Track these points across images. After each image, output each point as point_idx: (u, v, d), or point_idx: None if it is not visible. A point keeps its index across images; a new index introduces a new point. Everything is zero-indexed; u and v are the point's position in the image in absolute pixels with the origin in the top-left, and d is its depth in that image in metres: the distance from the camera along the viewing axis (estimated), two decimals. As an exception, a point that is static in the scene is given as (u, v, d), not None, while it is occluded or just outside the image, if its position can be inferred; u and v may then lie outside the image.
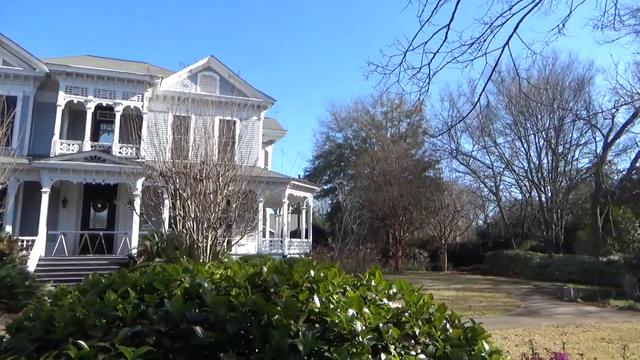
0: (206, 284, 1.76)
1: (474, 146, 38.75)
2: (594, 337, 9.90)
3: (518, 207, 40.76)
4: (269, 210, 33.74)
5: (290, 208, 32.24)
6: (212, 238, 14.31)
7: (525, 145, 34.76)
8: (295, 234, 31.89)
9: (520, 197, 39.41)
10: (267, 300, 1.65)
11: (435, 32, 5.15)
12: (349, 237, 25.87)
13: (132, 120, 17.20)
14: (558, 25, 5.19)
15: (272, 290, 1.76)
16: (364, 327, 1.52)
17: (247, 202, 15.76)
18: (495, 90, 35.68)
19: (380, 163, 34.22)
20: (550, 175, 33.88)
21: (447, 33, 5.17)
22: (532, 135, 34.14)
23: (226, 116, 18.65)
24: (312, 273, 1.81)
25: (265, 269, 1.84)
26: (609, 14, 5.49)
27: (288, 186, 23.84)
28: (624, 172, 33.52)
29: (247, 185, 16.91)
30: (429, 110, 41.07)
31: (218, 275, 1.94)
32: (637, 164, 32.86)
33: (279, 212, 28.16)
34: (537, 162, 34.21)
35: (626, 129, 31.01)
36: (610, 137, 31.30)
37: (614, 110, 31.76)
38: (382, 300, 1.81)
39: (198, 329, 1.52)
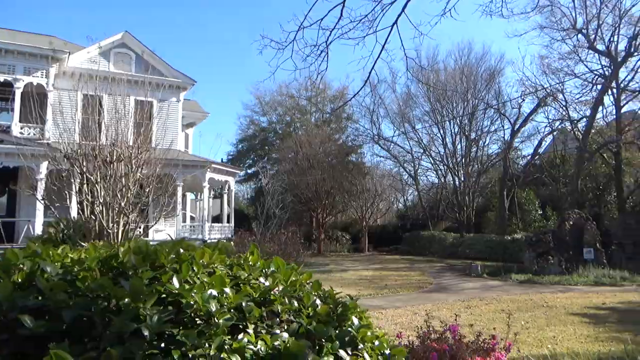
0: (49, 269, 1.58)
1: (394, 132, 39.98)
2: (495, 308, 10.62)
3: (435, 190, 42.79)
4: (190, 195, 32.78)
5: (212, 192, 31.54)
6: (123, 224, 13.62)
7: (441, 131, 36.38)
8: (218, 219, 31.28)
9: (436, 181, 41.32)
10: (115, 283, 1.51)
11: (331, 9, 5.12)
12: (271, 221, 25.79)
13: (35, 98, 15.80)
14: (445, 8, 5.34)
15: (130, 273, 1.62)
16: (220, 307, 1.43)
17: (163, 185, 15.15)
18: (415, 79, 37.02)
19: (304, 147, 34.30)
20: (463, 160, 35.79)
21: (342, 10, 5.16)
22: (448, 122, 35.79)
23: (142, 96, 17.68)
24: (178, 253, 1.69)
25: (122, 250, 1.69)
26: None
27: (209, 170, 23.21)
28: (528, 158, 36.23)
29: (164, 168, 16.23)
30: (352, 95, 41.81)
31: (69, 260, 1.76)
32: (540, 151, 35.64)
33: (200, 197, 27.45)
34: (452, 147, 35.97)
35: (531, 118, 33.32)
36: (517, 125, 33.56)
37: (520, 100, 34.12)
38: (257, 279, 1.73)
39: (26, 317, 1.35)
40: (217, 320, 1.38)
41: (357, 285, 15.05)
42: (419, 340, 3.70)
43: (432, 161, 38.28)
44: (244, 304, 1.50)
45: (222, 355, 1.30)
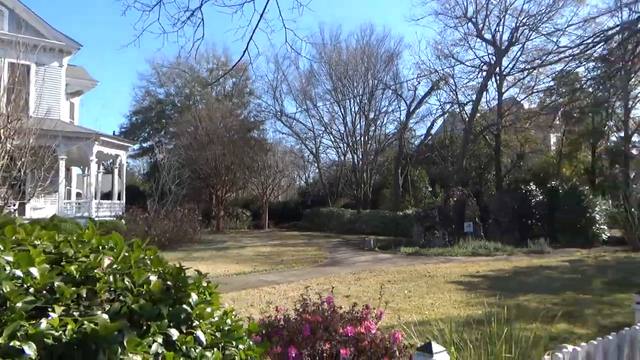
0: None
1: (297, 109, 40.09)
2: (382, 280, 11.15)
3: (335, 168, 43.83)
4: (77, 170, 30.26)
5: (103, 167, 29.40)
6: (-10, 200, 12.19)
7: (342, 110, 37.15)
8: (109, 195, 29.30)
9: (337, 158, 42.28)
10: None
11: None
12: (167, 197, 24.70)
13: None
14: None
15: None
16: (17, 289, 1.22)
17: (38, 158, 13.72)
18: (318, 57, 37.31)
19: (204, 122, 33.09)
20: (362, 138, 36.96)
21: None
22: (349, 101, 36.60)
23: (15, 58, 15.79)
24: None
25: None
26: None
27: (96, 142, 21.49)
28: (422, 138, 38.42)
29: (40, 139, 14.70)
30: (254, 71, 41.05)
31: None
32: (432, 132, 37.91)
33: (87, 172, 25.42)
34: (352, 126, 36.94)
35: (425, 100, 35.20)
36: (412, 107, 35.27)
37: (415, 83, 35.84)
38: (88, 257, 1.53)
39: None
40: (13, 304, 1.18)
41: (253, 261, 14.99)
42: (295, 313, 3.69)
43: (333, 139, 39.03)
44: (56, 284, 1.31)
45: (12, 344, 1.11)
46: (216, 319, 1.59)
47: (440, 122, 38.13)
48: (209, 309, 1.54)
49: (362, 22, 62.29)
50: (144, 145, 41.88)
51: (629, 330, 3.57)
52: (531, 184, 24.52)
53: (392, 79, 36.36)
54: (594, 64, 29.23)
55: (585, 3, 25.81)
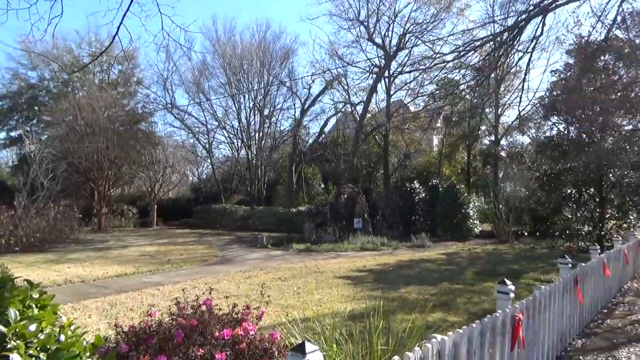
0: None
1: (189, 102, 38.57)
2: (273, 277, 11.09)
3: (229, 163, 42.98)
4: None
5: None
6: None
7: (236, 105, 36.44)
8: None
9: (230, 154, 41.42)
10: None
11: None
12: (38, 193, 22.31)
13: None
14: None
15: None
16: None
17: None
18: (212, 49, 36.22)
19: (84, 111, 30.38)
20: (257, 135, 36.60)
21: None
22: (243, 96, 36.02)
23: None
24: None
25: None
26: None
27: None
28: (315, 136, 39.10)
29: None
30: (143, 59, 38.73)
31: None
32: (325, 130, 38.76)
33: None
34: (247, 122, 36.41)
35: (319, 98, 35.86)
36: (307, 105, 35.74)
37: (310, 82, 36.32)
38: None
39: None
40: None
41: (136, 262, 14.07)
42: (170, 317, 3.43)
43: (227, 134, 38.11)
44: None
45: None
46: (43, 336, 1.34)
47: (333, 121, 39.16)
48: (33, 326, 1.30)
49: (258, 16, 61.41)
50: (12, 134, 37.52)
51: (491, 318, 3.85)
52: (415, 182, 26.13)
53: (287, 76, 36.48)
54: (470, 72, 32.04)
55: (464, 16, 28.13)
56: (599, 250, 8.52)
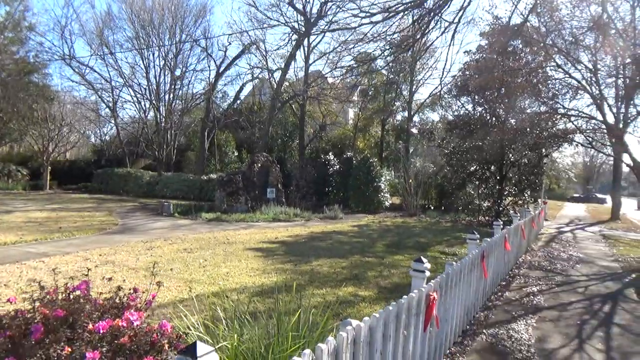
0: None
1: (91, 55, 35.13)
2: (178, 248, 10.36)
3: (135, 125, 40.22)
4: None
5: None
6: None
7: (145, 62, 33.84)
8: None
9: (137, 115, 38.71)
10: None
11: None
12: None
13: None
14: None
15: None
16: None
17: None
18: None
19: (-39, 55, 26.54)
20: (167, 96, 34.40)
21: None
22: (152, 53, 33.49)
23: None
24: None
25: None
26: None
27: None
28: (230, 101, 37.63)
29: None
30: (37, 1, 34.47)
31: None
32: (241, 96, 37.44)
33: None
34: (156, 81, 34.01)
35: (235, 62, 34.33)
36: (222, 68, 34.09)
37: (227, 44, 34.65)
38: None
39: None
40: None
41: (21, 229, 12.52)
42: (32, 305, 2.77)
43: (134, 94, 35.34)
44: None
45: None
46: None
47: (249, 87, 37.91)
48: None
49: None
50: None
51: (407, 298, 3.63)
52: (330, 154, 26.16)
53: (202, 35, 34.43)
54: (388, 47, 32.36)
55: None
56: (501, 226, 8.85)
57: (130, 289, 3.25)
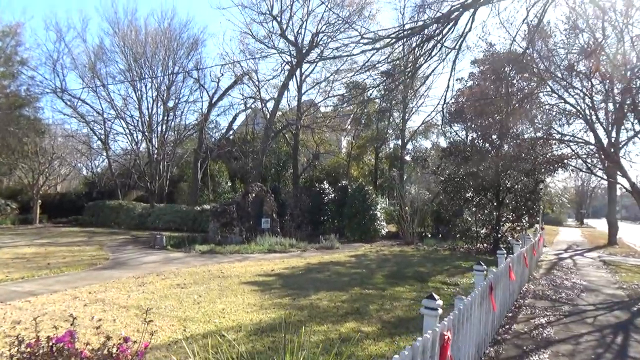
0: None
1: (83, 88, 35.09)
2: (171, 283, 9.98)
3: (127, 157, 39.91)
4: None
5: None
6: None
7: (138, 94, 33.79)
8: None
9: (130, 147, 38.42)
10: None
11: None
12: None
13: None
14: None
15: None
16: None
17: None
18: (112, 32, 33.35)
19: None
20: (160, 127, 34.26)
21: None
22: (145, 85, 33.50)
23: None
24: None
25: None
26: None
27: None
28: (223, 131, 37.58)
29: None
30: (30, 37, 34.63)
31: None
32: (234, 126, 37.45)
33: None
34: (149, 113, 33.90)
35: (228, 92, 34.40)
36: (215, 99, 34.14)
37: (219, 75, 34.83)
38: None
39: None
40: None
41: (7, 266, 12.08)
42: (10, 360, 2.47)
43: (126, 126, 35.10)
44: None
45: None
46: None
47: (242, 117, 37.95)
48: None
49: (164, 2, 58.05)
50: None
51: (421, 340, 3.36)
52: (324, 182, 25.98)
53: (195, 68, 34.59)
54: (379, 76, 32.69)
55: (376, 21, 28.56)
56: (505, 254, 8.61)
57: (120, 338, 2.96)
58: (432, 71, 8.23)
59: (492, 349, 6.26)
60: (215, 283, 10.18)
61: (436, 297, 3.93)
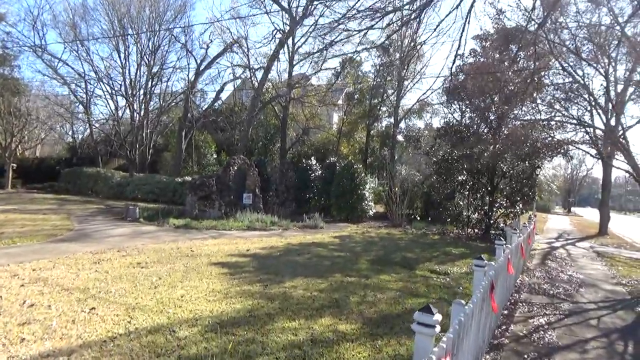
0: None
1: (65, 49, 33.33)
2: (131, 262, 8.94)
3: (109, 123, 38.37)
4: None
5: None
6: None
7: (121, 57, 32.13)
8: None
9: (112, 113, 36.82)
10: None
11: None
12: None
13: None
14: None
15: None
16: None
17: None
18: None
19: None
20: (143, 93, 32.74)
21: None
22: (127, 48, 31.82)
23: None
24: None
25: None
26: None
27: None
28: (210, 101, 36.11)
29: None
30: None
31: None
32: (221, 96, 35.97)
33: None
34: (132, 78, 32.33)
35: (216, 60, 32.85)
36: (202, 66, 32.60)
37: (208, 41, 33.18)
38: None
39: None
40: None
41: (-45, 234, 10.97)
42: None
43: (109, 90, 33.50)
44: None
45: None
46: None
47: (231, 87, 36.47)
48: None
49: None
50: None
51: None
52: (312, 158, 24.88)
53: (182, 32, 32.92)
54: (375, 51, 31.31)
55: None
56: (504, 245, 7.67)
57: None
58: (437, 28, 7.08)
59: (488, 357, 5.37)
60: (182, 263, 9.16)
61: (434, 310, 2.92)
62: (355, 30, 9.15)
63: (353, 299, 7.25)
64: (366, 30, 9.24)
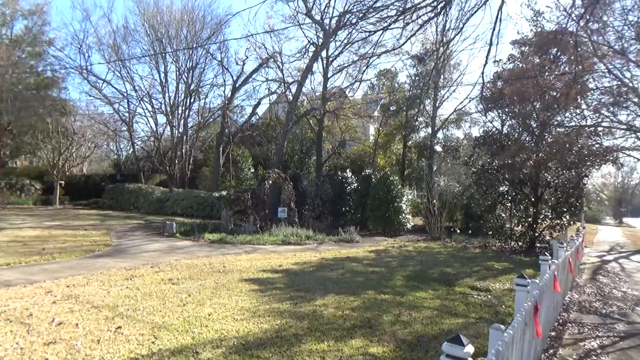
0: None
1: (108, 70, 34.63)
2: (162, 278, 8.92)
3: (151, 140, 39.46)
4: None
5: None
6: None
7: (162, 77, 33.08)
8: None
9: (154, 130, 37.87)
10: None
11: None
12: None
13: None
14: None
15: None
16: None
17: None
18: (137, 11, 32.65)
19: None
20: (183, 111, 33.53)
21: None
22: (166, 66, 32.71)
23: None
24: None
25: None
26: None
27: None
28: (247, 116, 36.52)
29: None
30: (56, 15, 34.34)
31: None
32: (257, 111, 36.32)
33: None
34: (173, 96, 33.19)
35: (252, 77, 33.26)
36: (238, 82, 33.07)
37: (244, 58, 33.59)
38: None
39: None
40: None
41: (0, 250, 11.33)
42: None
43: (150, 109, 34.50)
44: None
45: None
46: None
47: (267, 102, 36.80)
48: None
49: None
50: None
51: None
52: (347, 171, 24.61)
53: (218, 50, 33.59)
54: (411, 61, 30.89)
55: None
56: (549, 261, 7.14)
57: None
58: (463, 26, 6.74)
59: (534, 386, 4.90)
60: (212, 279, 9.06)
61: (465, 341, 2.59)
62: (375, 31, 8.89)
63: (386, 319, 6.90)
64: (390, 28, 8.92)
